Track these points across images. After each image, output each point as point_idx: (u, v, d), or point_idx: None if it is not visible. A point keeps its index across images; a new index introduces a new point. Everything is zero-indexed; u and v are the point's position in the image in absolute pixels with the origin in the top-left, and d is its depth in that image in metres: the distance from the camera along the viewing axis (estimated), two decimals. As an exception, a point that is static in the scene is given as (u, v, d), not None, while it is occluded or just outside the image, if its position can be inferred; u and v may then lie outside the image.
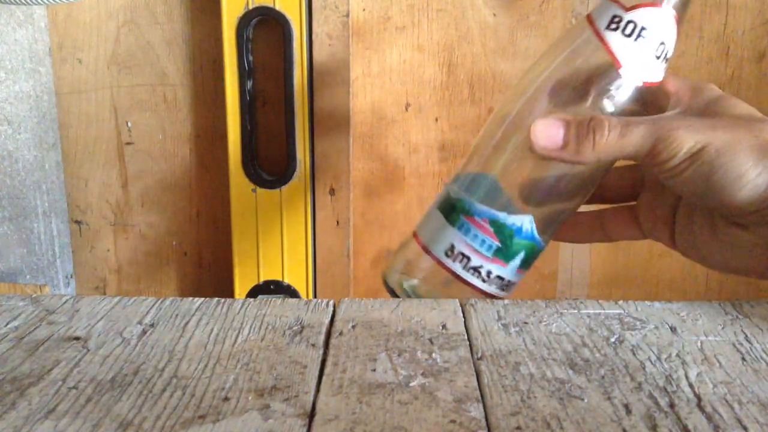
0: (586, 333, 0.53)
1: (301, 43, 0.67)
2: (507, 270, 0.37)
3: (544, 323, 0.55)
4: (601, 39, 0.34)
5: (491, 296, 0.38)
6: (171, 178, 0.75)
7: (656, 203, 0.38)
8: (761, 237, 0.33)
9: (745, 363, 0.48)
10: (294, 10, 0.67)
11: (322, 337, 0.52)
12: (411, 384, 0.45)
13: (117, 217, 0.77)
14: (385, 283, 0.40)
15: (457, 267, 0.37)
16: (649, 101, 0.35)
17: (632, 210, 0.40)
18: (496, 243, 0.36)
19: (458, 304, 0.58)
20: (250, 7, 0.66)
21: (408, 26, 0.70)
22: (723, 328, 0.54)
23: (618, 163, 0.38)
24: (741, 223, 0.34)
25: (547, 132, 0.33)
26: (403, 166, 0.73)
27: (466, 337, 0.53)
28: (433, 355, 0.49)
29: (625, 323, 0.55)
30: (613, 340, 0.52)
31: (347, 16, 0.68)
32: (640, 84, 0.35)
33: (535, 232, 0.36)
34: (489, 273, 0.37)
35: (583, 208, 0.40)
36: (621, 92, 0.34)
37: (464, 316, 0.56)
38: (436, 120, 0.72)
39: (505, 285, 0.37)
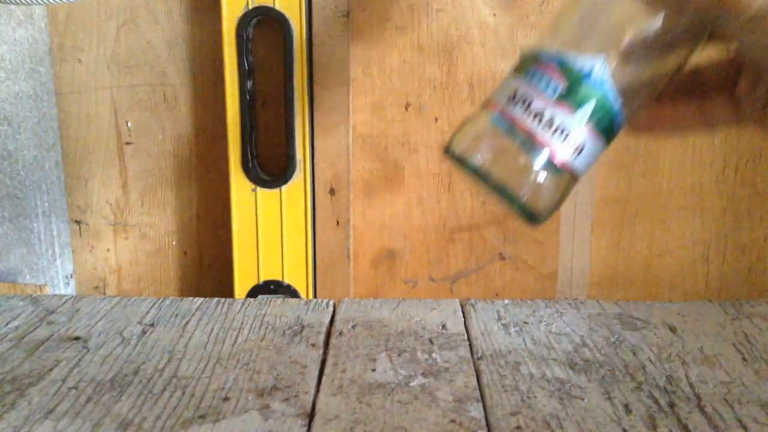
0: (586, 333, 0.53)
1: (301, 43, 0.67)
2: (573, 120, 0.34)
3: (544, 323, 0.55)
4: None
5: (556, 158, 0.35)
6: (171, 178, 0.75)
7: (753, 87, 0.40)
8: None
9: (745, 363, 0.48)
10: (294, 10, 0.67)
11: (322, 337, 0.52)
12: (411, 384, 0.45)
13: (117, 217, 0.77)
14: (450, 154, 0.37)
15: (517, 111, 0.34)
16: None
17: (732, 96, 0.42)
18: (563, 84, 0.34)
19: (458, 304, 0.58)
20: (250, 7, 0.66)
21: (408, 26, 0.70)
22: (723, 328, 0.54)
23: (713, 58, 0.40)
24: None
25: None
26: (403, 166, 0.73)
27: (466, 337, 0.53)
28: (433, 355, 0.49)
29: (625, 323, 0.55)
30: (613, 340, 0.52)
31: (347, 16, 0.68)
32: None
33: (608, 82, 0.34)
34: (552, 120, 0.34)
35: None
36: None
37: (464, 316, 0.56)
38: (436, 120, 0.72)
39: (570, 141, 0.34)
